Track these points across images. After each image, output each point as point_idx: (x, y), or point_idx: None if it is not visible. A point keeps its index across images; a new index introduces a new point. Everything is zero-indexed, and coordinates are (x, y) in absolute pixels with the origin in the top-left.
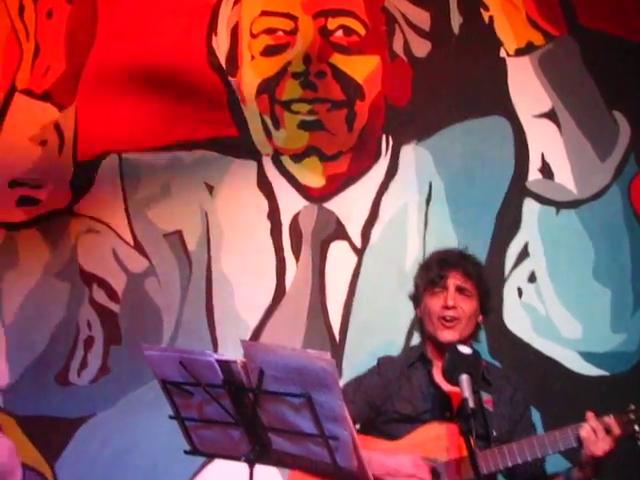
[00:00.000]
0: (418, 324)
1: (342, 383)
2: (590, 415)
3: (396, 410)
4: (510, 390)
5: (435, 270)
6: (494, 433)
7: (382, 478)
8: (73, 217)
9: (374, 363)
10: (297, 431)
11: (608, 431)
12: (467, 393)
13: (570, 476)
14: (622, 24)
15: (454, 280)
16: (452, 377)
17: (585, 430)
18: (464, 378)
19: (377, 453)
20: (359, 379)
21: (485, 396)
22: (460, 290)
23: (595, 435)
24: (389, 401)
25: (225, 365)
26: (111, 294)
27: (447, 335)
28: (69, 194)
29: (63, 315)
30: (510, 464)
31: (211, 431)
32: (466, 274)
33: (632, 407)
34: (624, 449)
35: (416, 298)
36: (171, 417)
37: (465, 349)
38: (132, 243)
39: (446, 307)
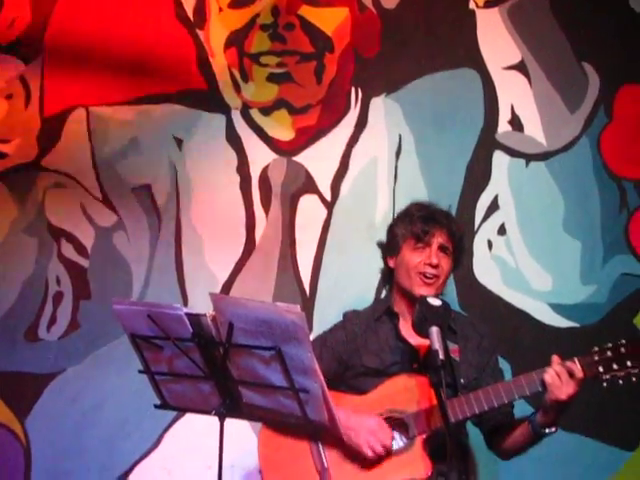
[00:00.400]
0: (385, 274)
1: (312, 336)
2: (555, 359)
3: (363, 364)
4: (477, 337)
5: (420, 224)
6: (462, 381)
7: (344, 433)
8: (40, 171)
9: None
10: (267, 384)
11: (572, 375)
12: (437, 345)
13: (535, 420)
14: None
15: (439, 238)
16: (422, 329)
17: (549, 374)
18: (434, 330)
19: (340, 410)
20: (325, 335)
21: (451, 346)
22: (442, 249)
23: (559, 379)
24: (356, 355)
25: (194, 318)
26: (80, 249)
27: (424, 291)
28: (36, 148)
29: (31, 270)
30: (477, 411)
31: (181, 385)
32: (450, 233)
33: (596, 349)
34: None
35: (390, 248)
36: (141, 371)
37: (435, 301)
38: (100, 197)
39: (430, 264)
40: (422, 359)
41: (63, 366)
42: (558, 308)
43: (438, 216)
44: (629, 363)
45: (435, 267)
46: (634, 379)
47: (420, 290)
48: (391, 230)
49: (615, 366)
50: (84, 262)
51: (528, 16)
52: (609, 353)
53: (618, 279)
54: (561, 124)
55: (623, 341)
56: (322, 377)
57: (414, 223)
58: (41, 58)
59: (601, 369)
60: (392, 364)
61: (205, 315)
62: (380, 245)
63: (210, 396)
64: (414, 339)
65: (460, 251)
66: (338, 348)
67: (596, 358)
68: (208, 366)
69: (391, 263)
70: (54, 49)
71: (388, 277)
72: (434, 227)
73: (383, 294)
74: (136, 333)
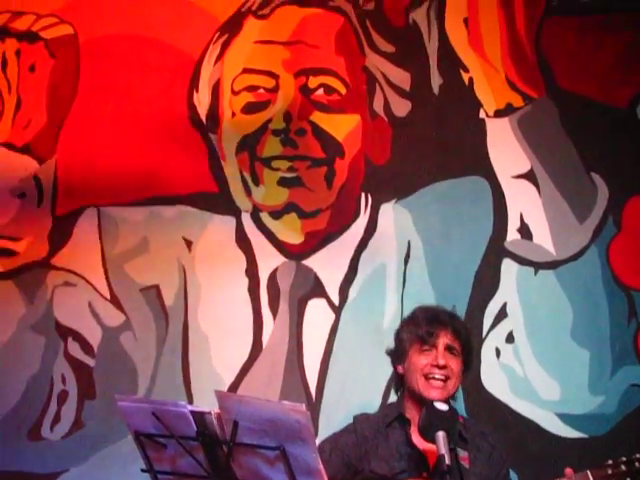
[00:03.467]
0: (396, 381)
1: (317, 440)
2: (569, 471)
3: (372, 469)
4: (488, 447)
5: (424, 327)
6: None
7: None
8: (50, 270)
9: (350, 421)
10: None
11: None
12: (443, 450)
13: None
14: (600, 87)
15: (444, 339)
16: (428, 434)
17: None
18: (440, 435)
19: None
20: (335, 437)
21: (461, 453)
22: (449, 349)
23: None
24: (365, 460)
25: (199, 416)
26: (86, 348)
27: (435, 394)
28: (47, 247)
29: (37, 368)
30: None
31: None
32: (455, 333)
33: (610, 462)
34: None
35: (398, 354)
36: (143, 470)
37: (442, 405)
38: (109, 297)
39: (437, 366)
40: (432, 467)
41: (66, 466)
42: (566, 418)
43: (442, 316)
44: None
45: (443, 368)
46: None
47: (431, 394)
48: (398, 336)
49: None
50: (90, 361)
51: (537, 126)
52: (623, 467)
53: (627, 390)
54: (570, 233)
55: (638, 455)
56: (326, 478)
57: (419, 326)
58: (55, 158)
59: None
60: (401, 471)
61: (210, 413)
62: (388, 352)
63: None
64: (423, 445)
65: (469, 350)
66: (348, 451)
67: (609, 472)
68: (211, 466)
69: (400, 369)
70: (68, 150)
71: (399, 384)
72: (438, 328)
73: (390, 399)
74: (140, 431)
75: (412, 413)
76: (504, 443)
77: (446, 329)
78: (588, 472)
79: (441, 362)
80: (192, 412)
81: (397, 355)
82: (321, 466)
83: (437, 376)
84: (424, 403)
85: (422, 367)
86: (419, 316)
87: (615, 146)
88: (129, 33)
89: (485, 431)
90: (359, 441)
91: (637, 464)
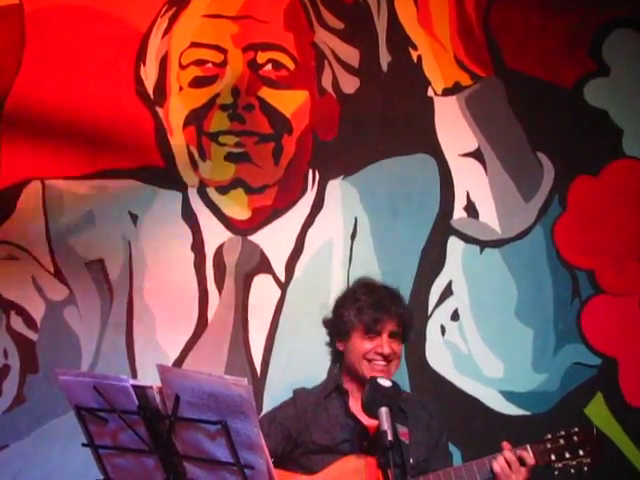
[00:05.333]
0: (335, 353)
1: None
2: (506, 445)
3: (313, 441)
4: (426, 417)
5: (369, 313)
6: (411, 461)
7: None
8: None
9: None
10: (212, 459)
11: (522, 462)
12: (386, 426)
13: None
14: (547, 67)
15: (389, 326)
16: (372, 410)
17: (499, 462)
18: (383, 411)
19: None
20: (274, 411)
21: (401, 429)
22: (392, 335)
23: (509, 467)
24: (306, 432)
25: (141, 391)
26: (29, 322)
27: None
28: None
29: None
30: None
31: (125, 460)
32: (399, 320)
33: (549, 436)
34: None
35: (339, 330)
36: (84, 445)
37: (385, 382)
38: (52, 271)
39: (381, 354)
40: (372, 438)
41: (6, 441)
42: (509, 395)
43: (386, 303)
44: (581, 452)
45: (386, 356)
46: (586, 469)
47: (373, 375)
48: (339, 314)
49: (567, 455)
50: (33, 335)
51: (485, 105)
52: (562, 441)
53: (570, 368)
54: (516, 212)
55: (576, 429)
56: (267, 453)
57: (363, 311)
58: None
59: (553, 457)
60: (342, 441)
61: (152, 387)
62: (327, 324)
63: (154, 471)
64: (364, 417)
65: (409, 330)
66: (287, 425)
67: (549, 446)
68: (153, 440)
69: (340, 347)
70: (11, 121)
71: (337, 357)
72: (383, 315)
73: None
74: (81, 405)
75: (351, 385)
76: (448, 420)
77: (390, 317)
78: (527, 446)
79: (386, 351)
80: (134, 386)
81: (338, 332)
82: (263, 441)
83: (379, 363)
84: (363, 380)
85: (365, 352)
86: (363, 300)
87: (561, 126)
88: (76, 4)
89: (423, 401)
90: (298, 414)
91: (575, 438)
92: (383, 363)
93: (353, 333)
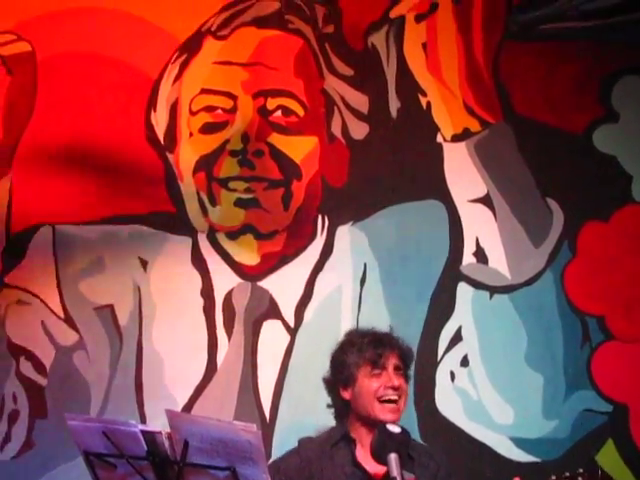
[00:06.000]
0: (339, 406)
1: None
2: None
3: None
4: (434, 466)
5: (371, 350)
6: None
7: None
8: (3, 288)
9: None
10: None
11: None
12: (395, 472)
13: None
14: (557, 113)
15: (393, 360)
16: (380, 456)
17: None
18: (392, 457)
19: None
20: (278, 462)
21: (408, 475)
22: (397, 369)
23: None
24: None
25: (150, 436)
26: (39, 367)
27: (389, 417)
28: (0, 265)
29: None
30: None
31: None
32: (401, 354)
33: (553, 478)
34: None
35: (342, 379)
36: None
37: (394, 428)
38: (62, 316)
39: (391, 387)
40: None
41: None
42: (519, 442)
43: (384, 338)
44: None
45: (396, 389)
46: None
47: (386, 416)
48: (340, 362)
49: None
50: (42, 381)
51: (494, 151)
52: None
53: (580, 414)
54: (525, 258)
55: (581, 470)
56: None
57: (364, 350)
58: (10, 176)
59: None
60: None
61: (160, 433)
62: (329, 379)
63: None
64: (371, 466)
65: (409, 366)
66: (291, 475)
67: None
68: None
69: (346, 395)
70: (23, 167)
71: (343, 409)
72: (385, 350)
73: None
74: (90, 450)
75: (359, 434)
76: (455, 465)
77: (392, 350)
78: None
79: (395, 383)
80: (143, 432)
81: (341, 380)
82: None
83: (392, 397)
84: (374, 425)
85: (375, 390)
86: (360, 341)
87: (571, 172)
88: (87, 51)
89: (431, 451)
90: (303, 464)
91: (580, 479)
92: (394, 397)
93: (359, 374)
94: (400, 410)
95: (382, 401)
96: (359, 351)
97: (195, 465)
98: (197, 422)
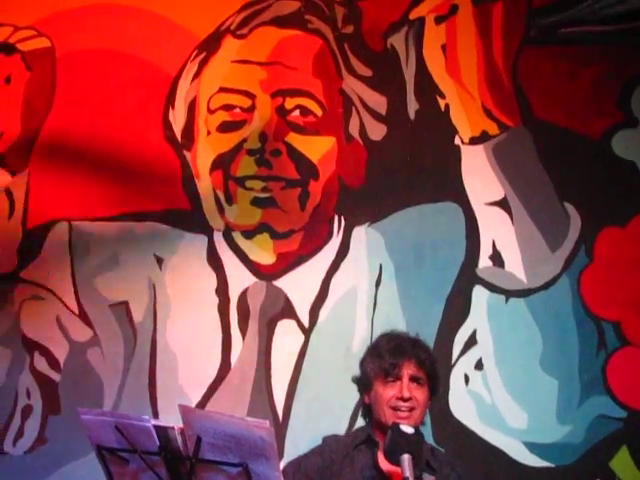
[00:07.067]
0: (364, 409)
1: (283, 463)
2: None
3: None
4: (454, 477)
5: (388, 359)
6: None
7: None
8: (19, 283)
9: (317, 444)
10: None
11: None
12: (407, 472)
13: None
14: (575, 118)
15: (408, 370)
16: (393, 456)
17: None
18: (405, 457)
19: None
20: (299, 460)
21: (428, 478)
22: (414, 379)
23: None
24: None
25: (162, 431)
26: (52, 363)
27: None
28: (16, 260)
29: (2, 382)
30: None
31: None
32: (419, 363)
33: None
34: None
35: (365, 384)
36: None
37: (407, 428)
38: (77, 312)
39: (402, 398)
40: None
41: None
42: (533, 447)
43: (405, 347)
44: None
45: (407, 400)
46: None
47: (395, 421)
48: (362, 366)
49: None
50: (56, 376)
51: (512, 154)
52: None
53: (595, 420)
54: (542, 262)
55: None
56: None
57: (382, 357)
58: (27, 171)
59: None
60: None
61: (173, 428)
62: (355, 380)
63: None
64: (390, 469)
65: (434, 378)
66: (312, 474)
67: None
68: None
69: (367, 400)
70: (41, 163)
71: (366, 412)
72: (402, 359)
73: (357, 423)
74: (102, 445)
75: (380, 437)
76: (471, 471)
77: (409, 360)
78: None
79: (406, 395)
80: (155, 427)
81: (363, 385)
82: None
83: (402, 408)
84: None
85: (388, 399)
86: (382, 347)
87: (589, 177)
88: (106, 48)
89: (453, 462)
90: (325, 464)
91: None
92: (405, 406)
93: (375, 382)
94: (414, 419)
95: (395, 410)
96: (377, 358)
97: (207, 461)
98: (210, 418)
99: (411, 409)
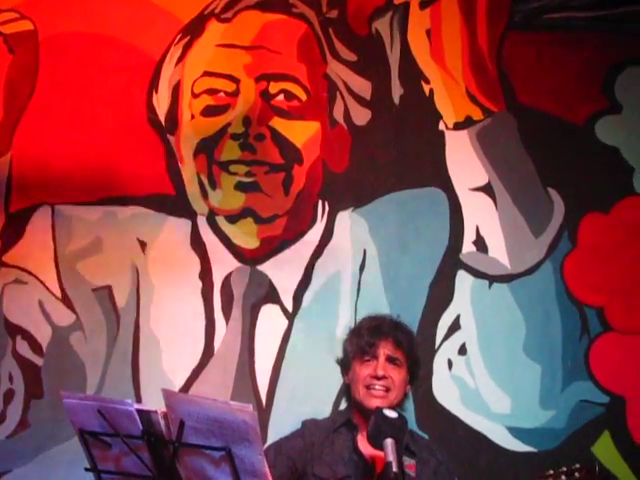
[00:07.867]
0: (345, 390)
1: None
2: None
3: (314, 474)
4: (435, 462)
5: (366, 338)
6: None
7: None
8: (1, 267)
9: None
10: None
11: None
12: (391, 457)
13: None
14: (559, 103)
15: (385, 350)
16: (376, 441)
17: None
18: (389, 442)
19: None
20: (281, 442)
21: (407, 461)
22: (390, 360)
23: None
24: (309, 465)
25: (145, 415)
26: (35, 347)
27: (376, 403)
28: None
29: None
30: None
31: None
32: (397, 343)
33: (550, 472)
34: None
35: (345, 364)
36: (87, 469)
37: (391, 413)
38: (60, 296)
39: (376, 377)
40: (378, 474)
41: (9, 466)
42: (516, 432)
43: (383, 326)
44: None
45: (381, 379)
46: None
47: (372, 402)
48: (343, 346)
49: None
50: (39, 360)
51: (496, 139)
52: (563, 477)
53: (577, 405)
54: (525, 247)
55: (578, 465)
56: None
57: (361, 337)
58: (10, 154)
59: None
60: (344, 477)
61: (156, 412)
62: (338, 362)
63: None
64: (370, 451)
65: (413, 360)
66: (293, 456)
67: (577, 475)
68: (156, 466)
69: (346, 379)
70: (23, 146)
71: (346, 392)
72: (379, 339)
73: (341, 407)
74: (85, 429)
75: (359, 420)
76: (453, 457)
77: (387, 339)
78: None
79: (380, 373)
80: (138, 410)
81: (343, 365)
82: (267, 468)
83: (376, 387)
84: (366, 412)
85: (363, 378)
86: (362, 327)
87: (572, 162)
88: (90, 31)
89: (433, 446)
90: (306, 446)
91: (577, 474)
92: (380, 387)
93: (353, 361)
94: (389, 400)
95: (369, 388)
96: (356, 338)
97: (190, 445)
98: (193, 402)
99: (387, 389)
